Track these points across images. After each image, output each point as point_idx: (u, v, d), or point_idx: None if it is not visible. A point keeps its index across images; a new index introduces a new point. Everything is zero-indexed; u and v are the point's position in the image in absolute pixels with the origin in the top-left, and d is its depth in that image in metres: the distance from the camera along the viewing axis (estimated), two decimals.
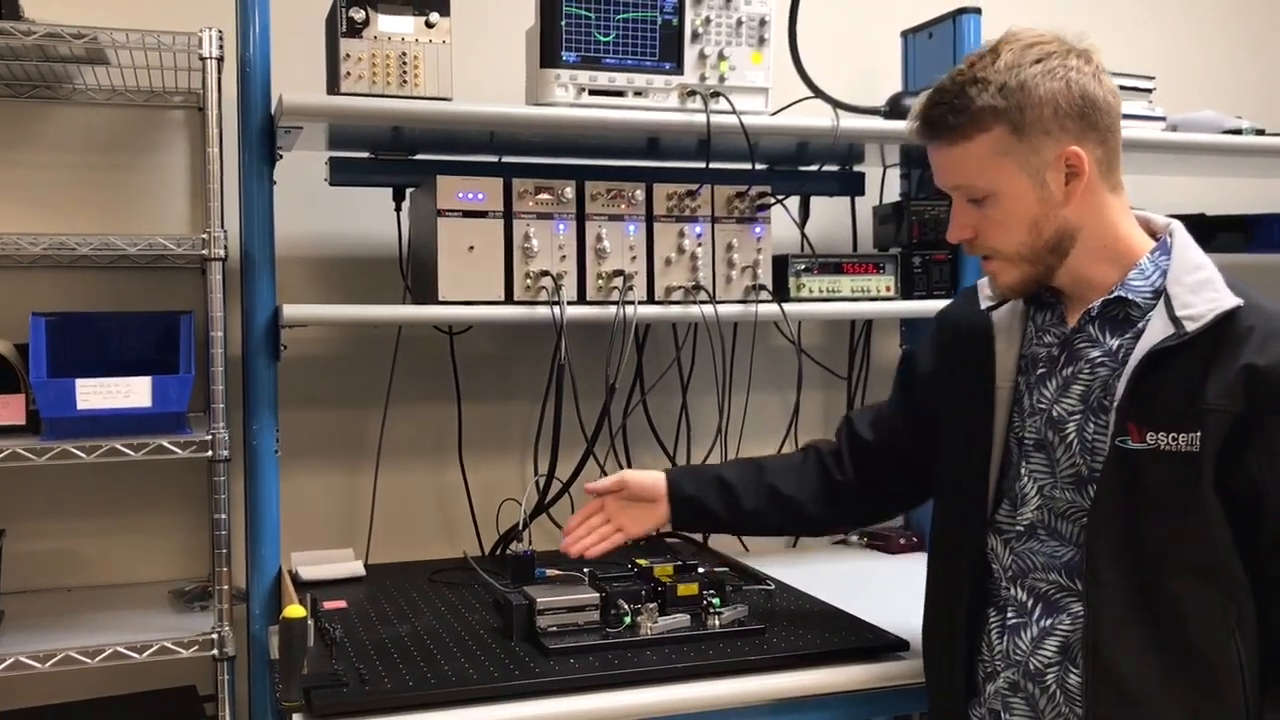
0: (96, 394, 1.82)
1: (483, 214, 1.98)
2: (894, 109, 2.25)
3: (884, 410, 1.73)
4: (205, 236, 1.84)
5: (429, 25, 1.89)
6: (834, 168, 2.48)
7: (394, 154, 2.19)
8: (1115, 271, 1.41)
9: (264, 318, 1.94)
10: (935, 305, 1.70)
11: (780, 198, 2.31)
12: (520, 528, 2.09)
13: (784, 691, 1.60)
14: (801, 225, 2.50)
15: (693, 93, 2.01)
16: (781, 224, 2.39)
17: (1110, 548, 1.35)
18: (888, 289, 2.28)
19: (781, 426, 2.51)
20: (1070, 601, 1.41)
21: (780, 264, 2.22)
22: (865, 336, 2.63)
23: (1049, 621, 1.42)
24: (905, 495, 1.78)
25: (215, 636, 1.86)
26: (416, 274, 2.19)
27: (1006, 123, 1.35)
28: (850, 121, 2.12)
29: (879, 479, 1.72)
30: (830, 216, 2.57)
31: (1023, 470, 1.47)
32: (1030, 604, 1.45)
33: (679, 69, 2.01)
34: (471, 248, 1.97)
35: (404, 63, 1.88)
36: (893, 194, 2.56)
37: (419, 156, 2.21)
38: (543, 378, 2.21)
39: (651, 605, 1.71)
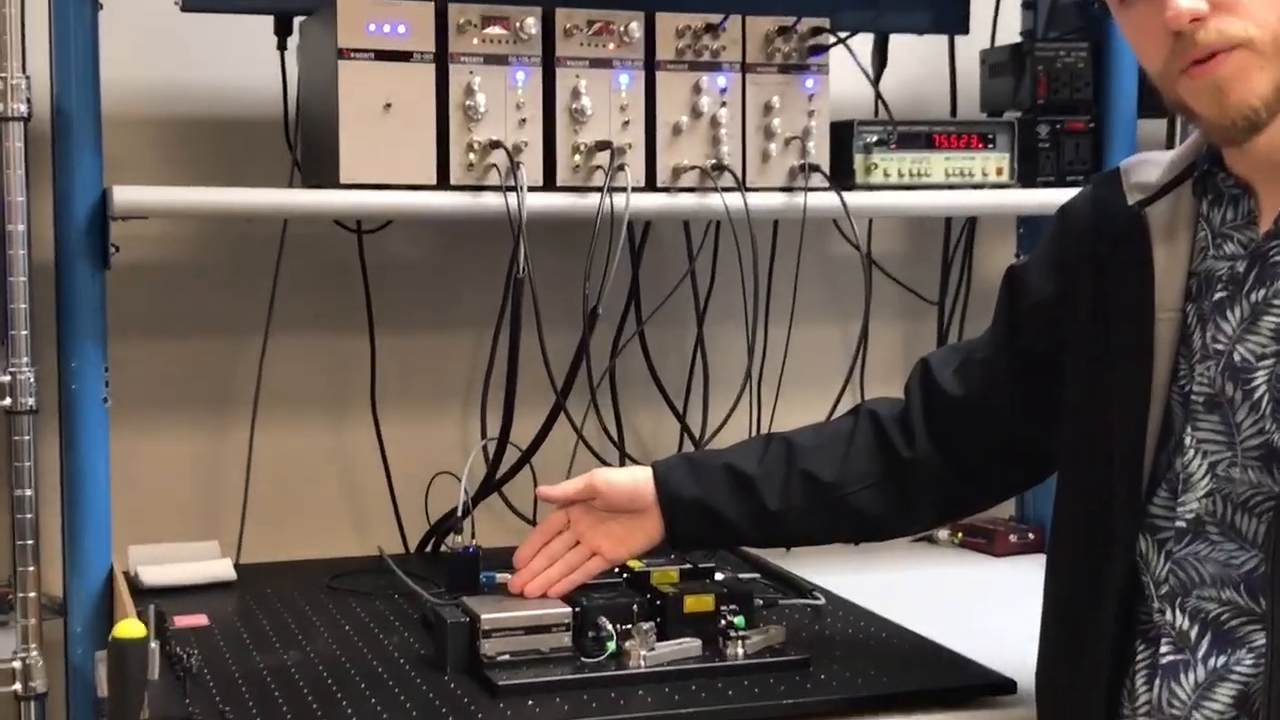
0: None
1: (405, 55, 1.97)
2: None
3: (978, 353, 1.72)
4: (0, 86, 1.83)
5: None
6: None
7: None
8: None
9: (86, 205, 1.93)
10: (1068, 196, 1.69)
11: (844, 35, 2.29)
12: (460, 513, 2.09)
13: None
14: (875, 78, 2.47)
15: None
16: (845, 75, 2.37)
17: None
18: (1000, 172, 2.27)
19: (840, 374, 2.50)
20: (1253, 631, 1.41)
21: (842, 134, 2.20)
22: (967, 242, 2.63)
23: (1221, 660, 1.42)
24: (1006, 477, 1.78)
25: (17, 665, 1.87)
26: (308, 144, 2.18)
27: None
28: None
29: (968, 454, 1.72)
30: (918, 65, 2.57)
31: (1188, 441, 1.46)
32: (1195, 634, 1.45)
33: None
34: (388, 105, 1.96)
35: None
36: (1010, 34, 2.53)
37: None
38: (494, 298, 2.20)
39: (646, 626, 1.72)
